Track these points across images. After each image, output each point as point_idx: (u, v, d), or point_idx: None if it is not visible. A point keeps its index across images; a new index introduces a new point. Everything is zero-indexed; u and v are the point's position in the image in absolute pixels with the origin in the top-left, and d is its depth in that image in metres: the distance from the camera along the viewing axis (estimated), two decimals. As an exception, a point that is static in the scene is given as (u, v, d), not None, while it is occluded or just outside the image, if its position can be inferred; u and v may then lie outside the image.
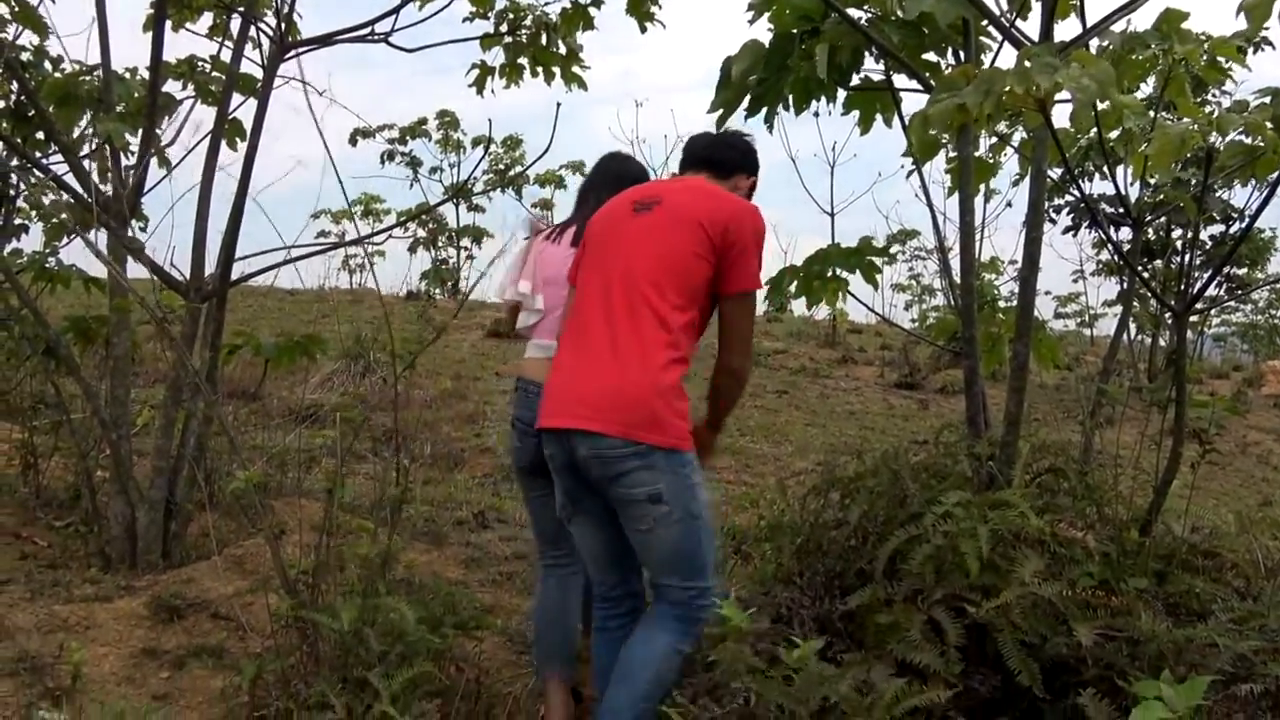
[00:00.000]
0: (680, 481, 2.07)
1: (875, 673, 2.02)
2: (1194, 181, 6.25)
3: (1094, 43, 2.33)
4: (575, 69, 4.19)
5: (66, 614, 2.80)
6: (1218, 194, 7.74)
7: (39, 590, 3.02)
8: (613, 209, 2.31)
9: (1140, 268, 2.54)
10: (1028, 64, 1.79)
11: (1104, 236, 10.57)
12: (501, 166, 14.30)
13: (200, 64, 3.88)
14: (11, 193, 4.04)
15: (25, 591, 3.01)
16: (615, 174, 2.68)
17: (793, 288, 2.90)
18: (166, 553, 3.41)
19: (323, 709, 2.11)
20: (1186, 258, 6.66)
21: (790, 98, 2.76)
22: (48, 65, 3.93)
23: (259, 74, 3.54)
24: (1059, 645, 2.08)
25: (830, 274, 2.85)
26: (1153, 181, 3.41)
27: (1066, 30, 3.23)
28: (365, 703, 2.12)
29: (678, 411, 2.07)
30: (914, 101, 9.72)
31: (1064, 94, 1.80)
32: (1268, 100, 2.10)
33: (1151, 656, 2.03)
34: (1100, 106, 2.02)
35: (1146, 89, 3.29)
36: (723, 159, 2.37)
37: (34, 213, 4.36)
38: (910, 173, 3.44)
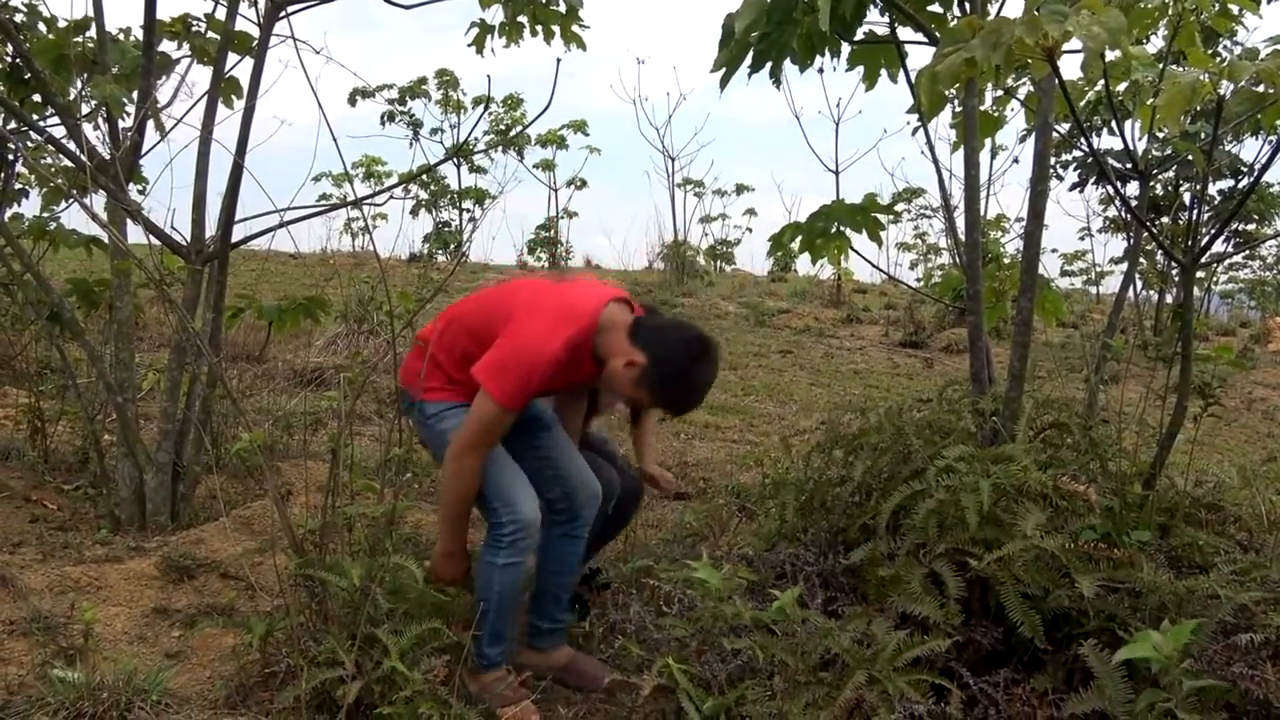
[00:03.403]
0: (428, 430, 2.48)
1: (876, 625, 2.04)
2: (1203, 135, 6.17)
3: (1102, -11, 2.28)
4: (575, 28, 4.12)
5: (78, 575, 2.83)
6: (1226, 148, 7.65)
7: (50, 552, 3.06)
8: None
9: (1147, 222, 2.51)
10: (1037, 12, 1.75)
11: (1111, 191, 10.48)
12: (502, 126, 14.19)
13: (194, 23, 3.83)
14: (10, 157, 4.00)
15: (37, 553, 3.04)
16: None
17: (795, 244, 2.88)
18: (175, 514, 3.45)
19: (332, 665, 2.15)
20: (1194, 212, 6.60)
21: (795, 53, 2.71)
22: (41, 27, 3.87)
23: (255, 32, 3.49)
24: (1061, 597, 2.09)
25: (834, 230, 2.82)
26: (1161, 135, 3.37)
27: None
28: (374, 659, 2.15)
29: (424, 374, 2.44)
30: (919, 55, 9.58)
31: (1072, 44, 1.76)
32: None
33: (1153, 608, 2.04)
34: (1108, 57, 1.99)
35: (1158, 42, 3.23)
36: (637, 332, 2.33)
37: (32, 176, 4.33)
38: (915, 129, 3.41)
